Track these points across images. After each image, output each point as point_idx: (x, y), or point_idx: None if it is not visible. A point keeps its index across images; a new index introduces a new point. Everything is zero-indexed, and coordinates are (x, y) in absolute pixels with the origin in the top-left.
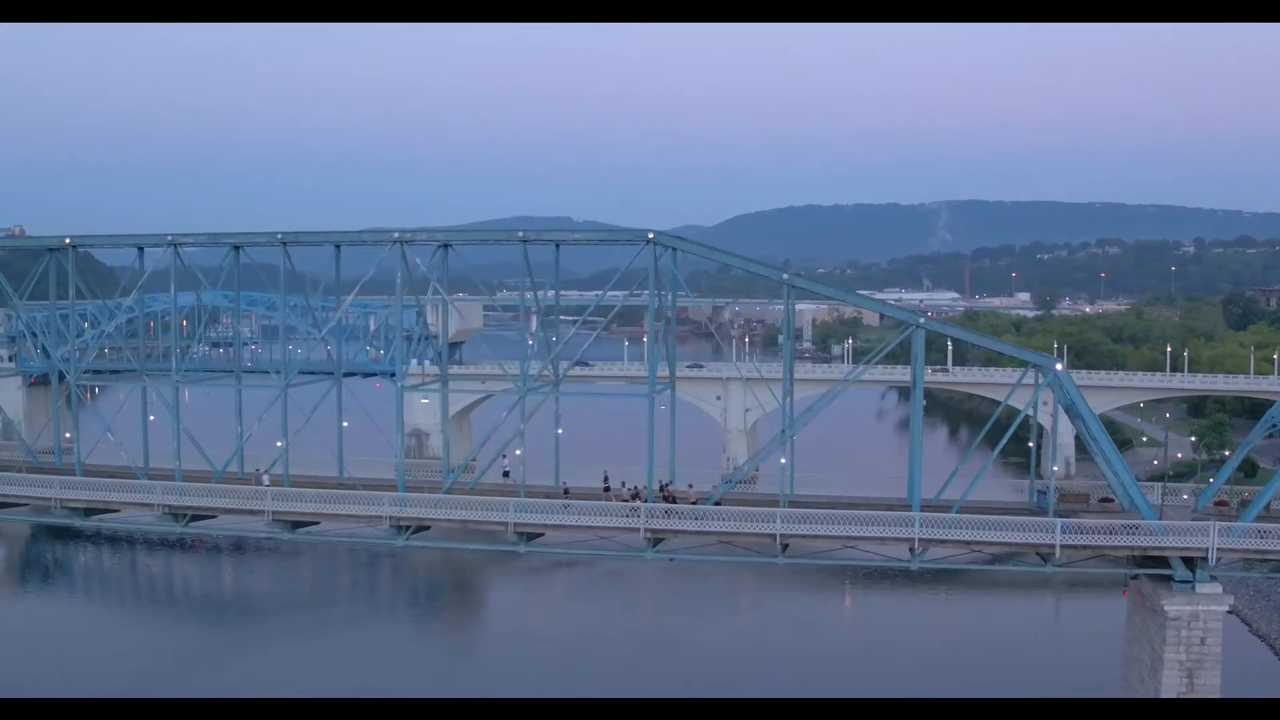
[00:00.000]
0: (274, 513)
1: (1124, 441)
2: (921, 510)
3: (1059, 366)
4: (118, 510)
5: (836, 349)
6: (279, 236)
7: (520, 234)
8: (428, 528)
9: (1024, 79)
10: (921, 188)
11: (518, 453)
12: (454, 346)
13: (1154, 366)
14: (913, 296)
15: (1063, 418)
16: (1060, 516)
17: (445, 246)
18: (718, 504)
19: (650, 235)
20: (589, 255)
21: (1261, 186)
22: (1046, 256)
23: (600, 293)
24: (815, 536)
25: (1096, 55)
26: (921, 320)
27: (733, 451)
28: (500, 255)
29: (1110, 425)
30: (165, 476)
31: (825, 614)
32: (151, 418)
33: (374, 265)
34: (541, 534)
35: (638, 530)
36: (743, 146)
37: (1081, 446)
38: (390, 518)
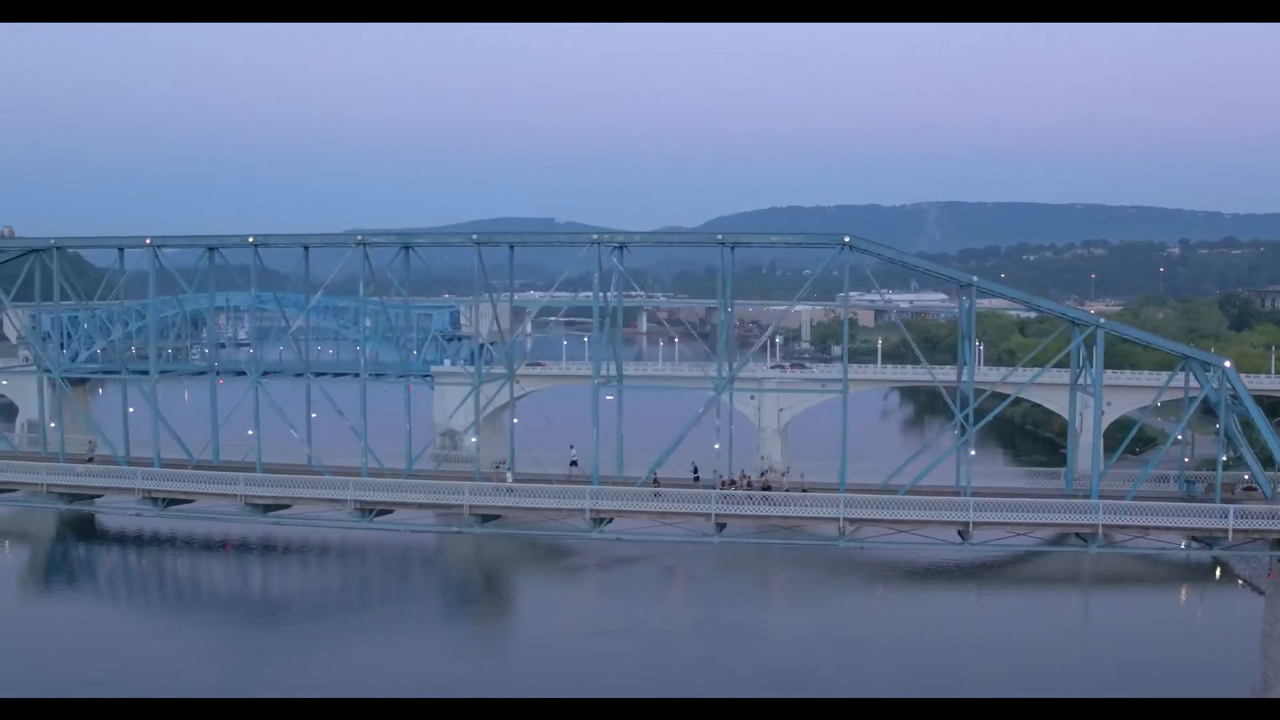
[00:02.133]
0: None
1: (1148, 440)
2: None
3: (1227, 364)
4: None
5: (836, 349)
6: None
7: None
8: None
9: (1003, 81)
10: (903, 189)
11: (571, 448)
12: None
13: (1165, 366)
14: (901, 298)
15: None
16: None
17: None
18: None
19: (846, 239)
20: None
21: (1241, 188)
22: (1033, 258)
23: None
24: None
25: (1073, 57)
26: (1103, 321)
27: (767, 450)
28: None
29: (1131, 425)
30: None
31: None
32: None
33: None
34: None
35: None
36: (724, 147)
37: (1115, 444)
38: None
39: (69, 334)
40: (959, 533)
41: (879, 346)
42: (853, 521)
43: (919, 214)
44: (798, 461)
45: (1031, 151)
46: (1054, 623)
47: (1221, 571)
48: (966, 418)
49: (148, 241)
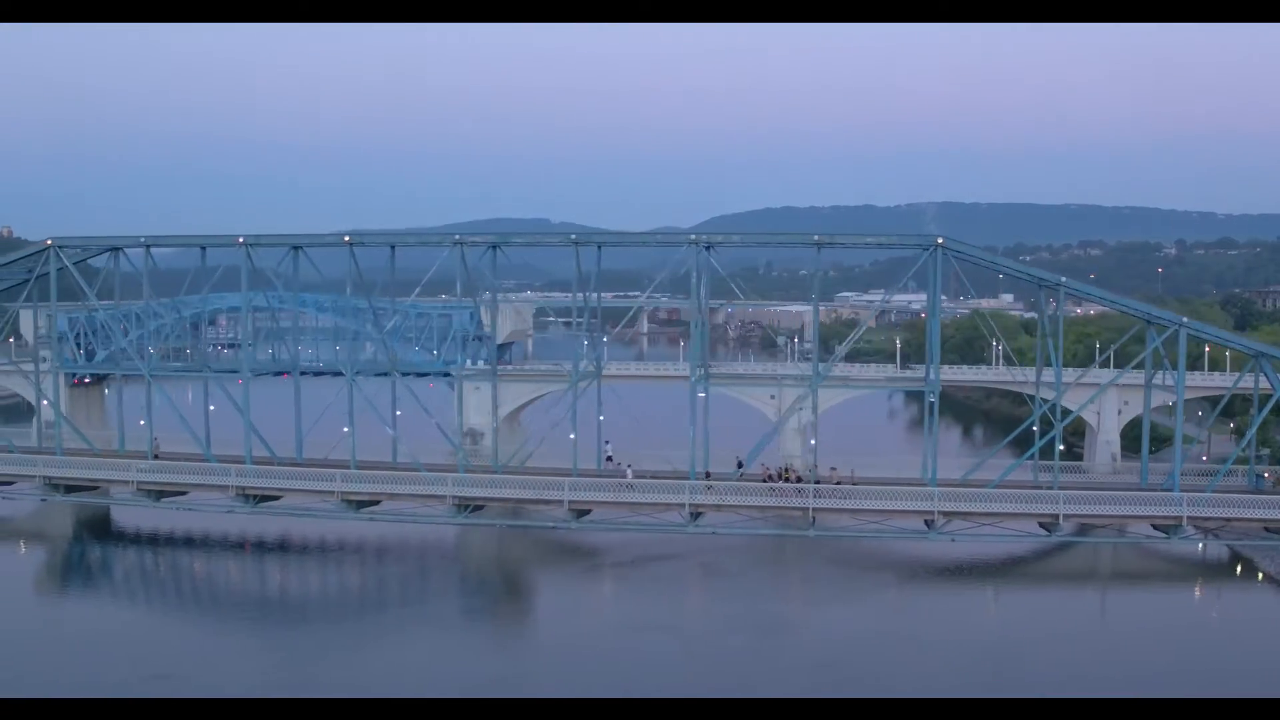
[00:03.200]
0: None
1: (1163, 439)
2: None
3: None
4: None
5: (840, 350)
6: (241, 239)
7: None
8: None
9: (998, 82)
10: (897, 189)
11: (608, 444)
12: (503, 347)
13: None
14: (901, 298)
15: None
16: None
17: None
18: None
19: (940, 240)
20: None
21: (1235, 188)
22: (1029, 258)
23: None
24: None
25: (1065, 57)
26: (1185, 320)
27: (787, 449)
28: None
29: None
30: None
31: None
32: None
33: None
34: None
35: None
36: (719, 147)
37: (1127, 442)
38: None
39: (92, 333)
40: (1042, 525)
41: (897, 348)
42: (945, 515)
43: (914, 214)
44: (824, 458)
45: (1025, 152)
46: (1096, 618)
47: (1242, 567)
48: (1054, 413)
49: (240, 240)
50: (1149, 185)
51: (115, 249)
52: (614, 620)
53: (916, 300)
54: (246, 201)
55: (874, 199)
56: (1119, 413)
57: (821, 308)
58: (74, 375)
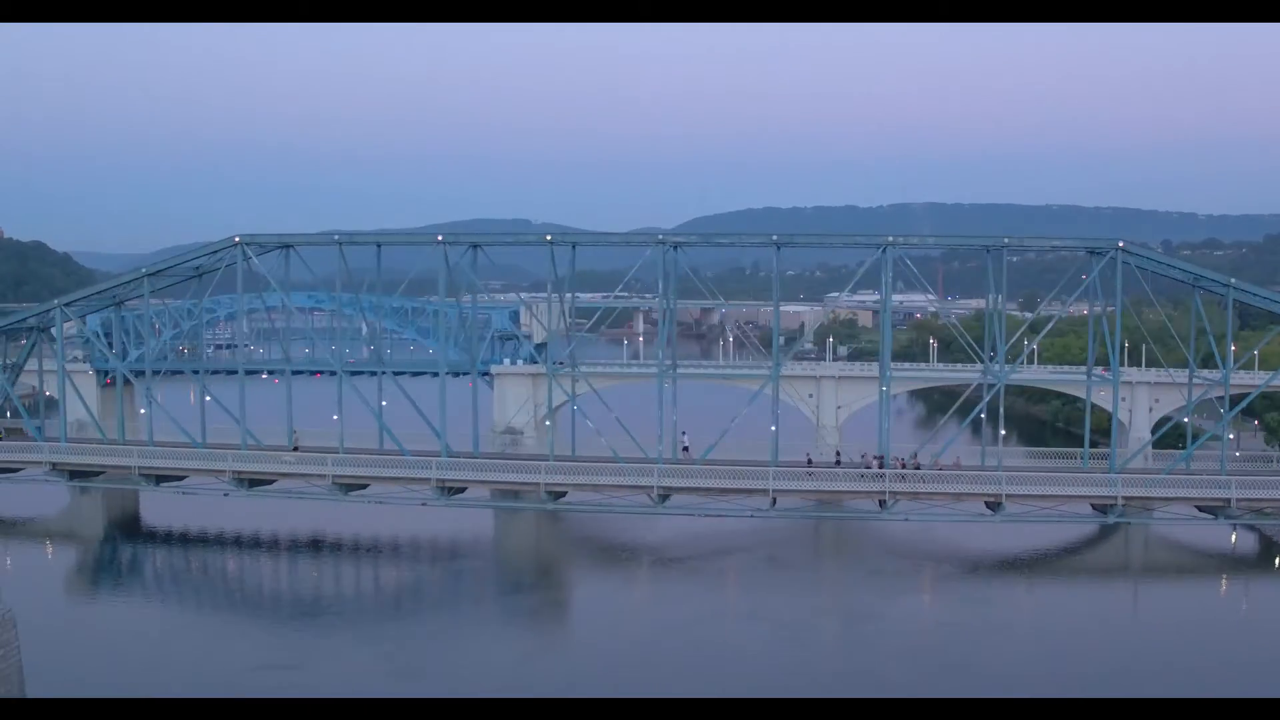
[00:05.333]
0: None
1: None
2: None
3: None
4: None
5: (841, 350)
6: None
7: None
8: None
9: (978, 83)
10: (880, 190)
11: (684, 435)
12: (540, 346)
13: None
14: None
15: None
16: None
17: (377, 245)
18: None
19: (1120, 244)
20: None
21: (1214, 188)
22: (1016, 259)
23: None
24: None
25: (1045, 58)
26: None
27: (821, 449)
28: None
29: (1167, 423)
30: None
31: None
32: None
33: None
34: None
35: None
36: (700, 148)
37: (1161, 439)
38: (656, 488)
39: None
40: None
41: (932, 347)
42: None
43: (896, 214)
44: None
45: (1005, 152)
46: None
47: None
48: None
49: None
50: (1130, 186)
51: (287, 246)
52: (702, 610)
53: (908, 300)
54: (225, 199)
55: (858, 200)
56: (1150, 410)
57: (818, 308)
58: (107, 374)
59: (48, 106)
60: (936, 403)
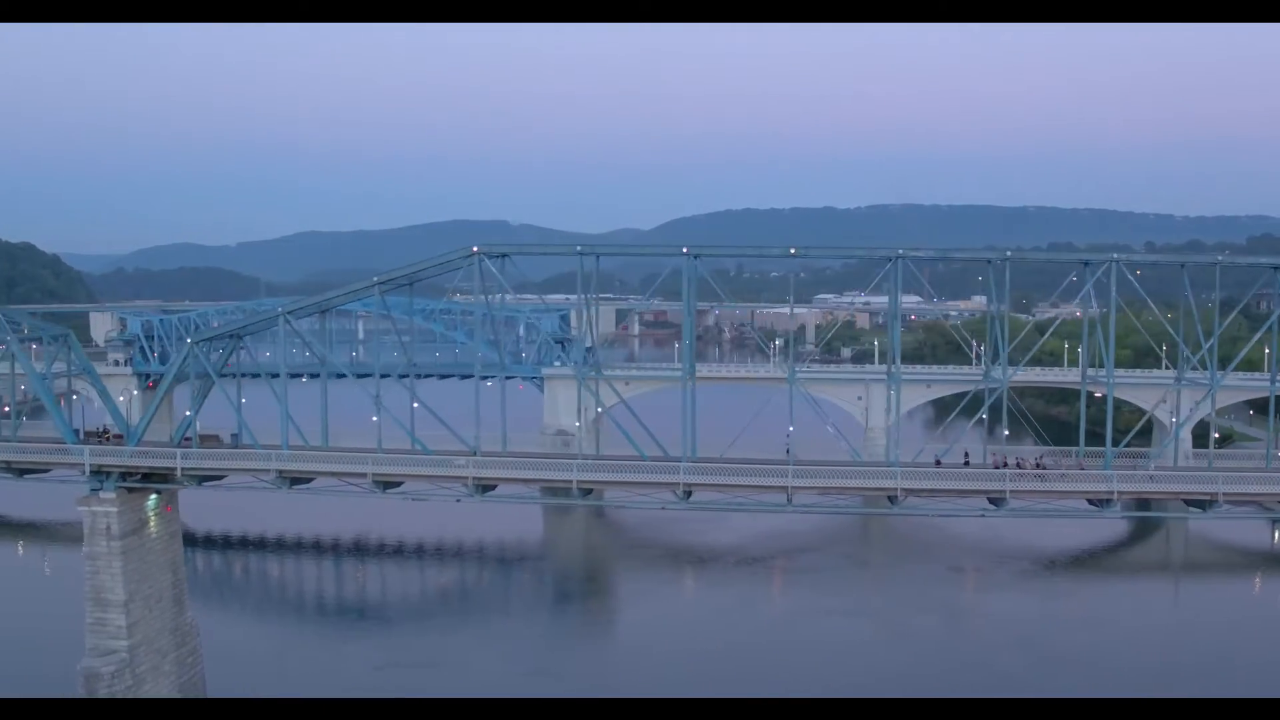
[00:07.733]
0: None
1: (1226, 437)
2: None
3: None
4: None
5: (845, 351)
6: (473, 248)
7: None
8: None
9: (955, 85)
10: (857, 192)
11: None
12: (589, 350)
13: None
14: (880, 299)
15: None
16: None
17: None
18: None
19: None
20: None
21: (1191, 190)
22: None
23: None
24: None
25: (1022, 60)
26: None
27: (871, 450)
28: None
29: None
30: None
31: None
32: None
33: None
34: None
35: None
36: (678, 149)
37: (1199, 440)
38: (682, 485)
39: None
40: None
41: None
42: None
43: (873, 216)
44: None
45: (983, 154)
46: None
47: None
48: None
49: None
50: (1106, 188)
51: (504, 255)
52: (797, 607)
53: (903, 302)
54: (205, 197)
55: (835, 201)
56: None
57: (817, 309)
58: (148, 378)
59: (33, 107)
60: (943, 405)
